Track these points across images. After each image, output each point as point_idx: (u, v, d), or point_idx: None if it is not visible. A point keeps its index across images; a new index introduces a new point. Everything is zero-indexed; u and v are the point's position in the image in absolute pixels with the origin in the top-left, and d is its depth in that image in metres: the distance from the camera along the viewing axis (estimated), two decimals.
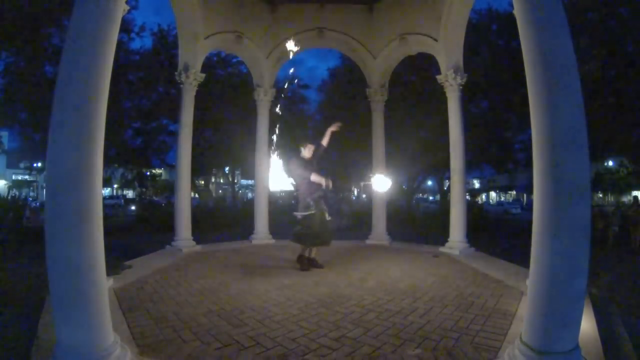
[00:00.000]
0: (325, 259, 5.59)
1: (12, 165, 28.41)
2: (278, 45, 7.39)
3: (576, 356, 2.12)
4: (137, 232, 11.54)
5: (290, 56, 7.54)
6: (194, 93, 6.56)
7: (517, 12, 2.41)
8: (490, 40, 12.17)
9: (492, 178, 35.93)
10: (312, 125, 18.36)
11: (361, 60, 7.70)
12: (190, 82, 6.44)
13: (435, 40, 6.47)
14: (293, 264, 5.12)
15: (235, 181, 22.59)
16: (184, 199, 6.53)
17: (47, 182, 2.24)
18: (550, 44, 2.22)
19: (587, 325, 2.78)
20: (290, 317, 3.16)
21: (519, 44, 2.43)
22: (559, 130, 2.15)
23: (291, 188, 5.28)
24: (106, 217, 3.12)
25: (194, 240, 6.57)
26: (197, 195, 19.43)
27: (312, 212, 4.83)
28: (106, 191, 31.84)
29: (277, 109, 6.69)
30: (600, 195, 26.41)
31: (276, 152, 5.04)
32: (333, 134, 5.15)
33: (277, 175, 4.94)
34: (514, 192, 40.30)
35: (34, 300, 3.76)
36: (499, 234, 11.00)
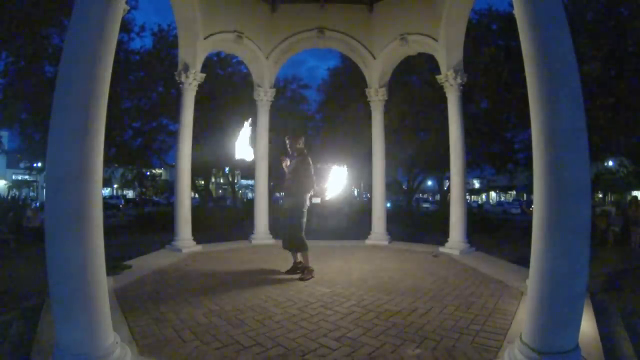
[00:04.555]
0: (325, 259, 5.59)
1: (12, 165, 28.38)
2: (278, 45, 7.40)
3: (576, 356, 2.12)
4: (137, 232, 11.53)
5: (290, 56, 7.55)
6: (194, 93, 6.56)
7: (517, 12, 2.41)
8: (490, 40, 12.15)
9: (492, 178, 35.93)
10: (313, 125, 18.35)
11: (361, 60, 7.70)
12: (190, 82, 6.44)
13: (435, 40, 6.47)
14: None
15: (235, 181, 22.57)
16: (184, 199, 6.53)
17: (47, 182, 2.24)
18: (550, 44, 2.22)
19: (587, 325, 2.78)
20: (290, 317, 3.16)
21: (519, 44, 2.43)
22: (559, 130, 2.15)
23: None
24: (106, 218, 3.12)
25: (193, 240, 6.58)
26: (197, 196, 19.41)
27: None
28: (106, 191, 31.85)
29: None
30: (601, 196, 26.39)
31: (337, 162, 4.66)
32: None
33: (334, 184, 4.63)
34: (514, 192, 40.28)
35: (34, 300, 3.76)
36: (499, 234, 10.99)
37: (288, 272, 4.71)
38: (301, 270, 4.59)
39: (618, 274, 6.04)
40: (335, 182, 4.63)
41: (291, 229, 4.52)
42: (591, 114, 8.15)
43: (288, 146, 4.75)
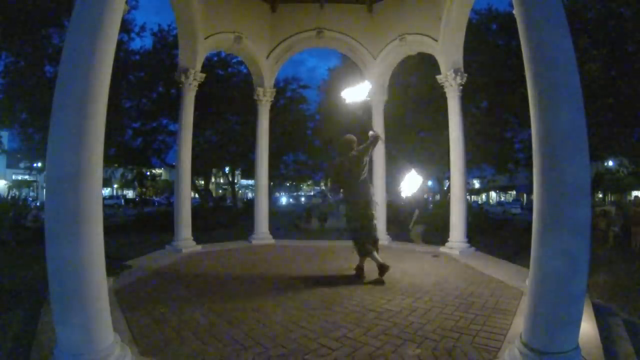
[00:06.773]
0: (326, 259, 5.59)
1: (12, 165, 28.39)
2: (278, 45, 7.40)
3: (576, 356, 2.12)
4: (137, 232, 11.54)
5: (290, 56, 7.53)
6: (194, 93, 6.56)
7: (517, 12, 2.41)
8: (490, 40, 12.16)
9: (492, 178, 35.91)
10: (313, 126, 18.37)
11: (361, 61, 7.70)
12: (190, 82, 6.44)
13: (435, 40, 6.47)
14: (293, 264, 5.12)
15: (235, 181, 22.58)
16: (184, 199, 6.53)
17: (47, 182, 2.24)
18: (550, 44, 2.21)
19: (587, 325, 2.78)
20: (290, 316, 3.16)
21: (518, 44, 2.43)
22: (559, 130, 2.15)
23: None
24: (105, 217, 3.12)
25: (194, 240, 6.58)
26: (197, 195, 19.45)
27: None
28: (106, 191, 31.86)
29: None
30: (601, 196, 26.41)
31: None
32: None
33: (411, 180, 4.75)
34: (514, 192, 40.27)
35: (34, 300, 3.76)
36: (499, 234, 10.99)
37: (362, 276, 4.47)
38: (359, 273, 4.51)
39: (618, 274, 6.04)
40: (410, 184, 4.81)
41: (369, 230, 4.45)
42: (591, 114, 8.14)
43: (354, 145, 4.57)
